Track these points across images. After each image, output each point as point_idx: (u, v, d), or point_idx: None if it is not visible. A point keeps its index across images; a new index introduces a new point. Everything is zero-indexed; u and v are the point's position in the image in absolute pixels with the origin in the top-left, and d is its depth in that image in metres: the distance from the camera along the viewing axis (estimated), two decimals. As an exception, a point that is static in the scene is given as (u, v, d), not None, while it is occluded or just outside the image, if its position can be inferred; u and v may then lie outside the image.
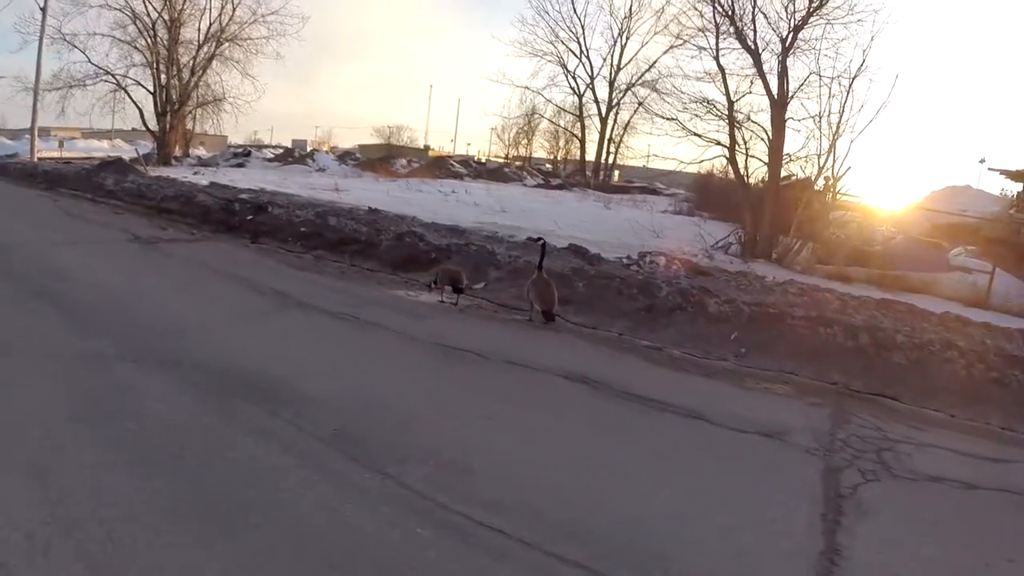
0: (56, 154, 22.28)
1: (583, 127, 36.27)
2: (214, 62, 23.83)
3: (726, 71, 12.67)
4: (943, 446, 3.59)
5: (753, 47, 12.18)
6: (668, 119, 13.39)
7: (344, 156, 32.24)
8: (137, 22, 22.66)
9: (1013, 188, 19.80)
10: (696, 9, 12.98)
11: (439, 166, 31.37)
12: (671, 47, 19.77)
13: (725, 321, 5.48)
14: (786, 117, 11.88)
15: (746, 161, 12.46)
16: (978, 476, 3.25)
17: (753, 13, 12.13)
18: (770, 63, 12.22)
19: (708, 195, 20.54)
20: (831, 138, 11.21)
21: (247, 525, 2.27)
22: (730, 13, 12.28)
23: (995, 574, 2.48)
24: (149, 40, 22.93)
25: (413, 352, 4.50)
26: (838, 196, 11.85)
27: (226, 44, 23.78)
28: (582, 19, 34.89)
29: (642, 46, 32.83)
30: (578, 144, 36.94)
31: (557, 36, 34.88)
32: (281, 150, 32.67)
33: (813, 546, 2.48)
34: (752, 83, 12.60)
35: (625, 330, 5.48)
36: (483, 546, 2.28)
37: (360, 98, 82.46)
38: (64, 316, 4.47)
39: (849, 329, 5.07)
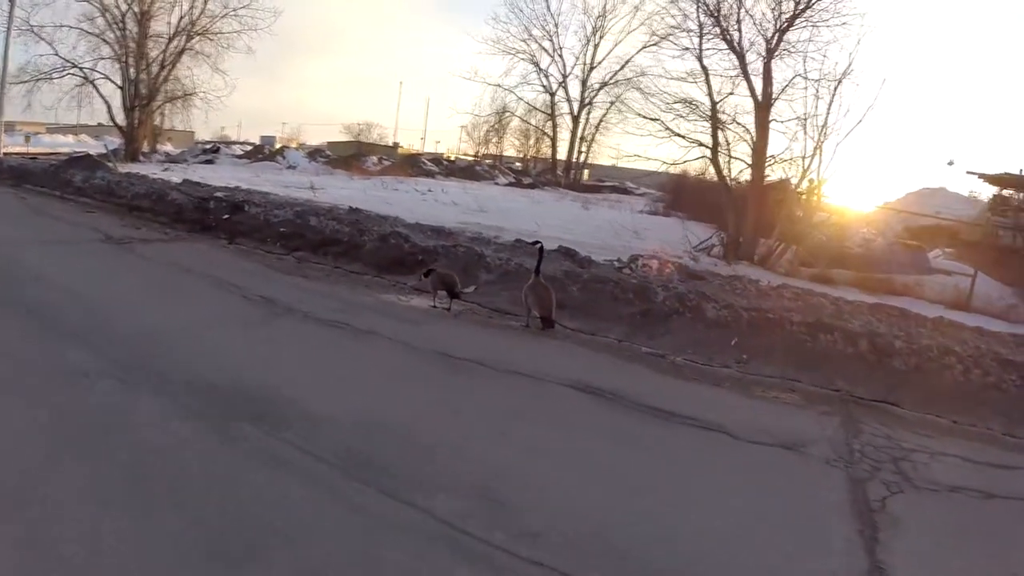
0: (22, 149, 21.18)
1: (555, 126, 36.05)
2: (184, 56, 23.01)
3: (709, 72, 12.66)
4: (954, 454, 3.62)
5: (739, 48, 12.20)
6: (651, 119, 13.29)
7: (314, 153, 31.41)
8: (106, 14, 21.65)
9: (985, 191, 19.65)
10: (679, 8, 12.91)
11: (411, 164, 30.87)
12: (645, 45, 19.79)
13: (724, 327, 5.45)
14: (770, 119, 11.92)
15: (728, 163, 12.47)
16: (992, 485, 3.28)
17: (739, 14, 12.14)
18: (754, 64, 12.25)
19: (683, 195, 20.43)
20: (817, 140, 11.29)
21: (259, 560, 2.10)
22: (716, 14, 12.26)
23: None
24: (118, 33, 21.95)
25: (415, 364, 4.32)
26: (821, 199, 11.99)
27: (197, 38, 22.97)
28: (556, 17, 34.70)
29: (615, 44, 32.78)
30: (548, 143, 36.84)
31: (530, 34, 34.65)
32: (250, 147, 31.77)
33: (857, 564, 2.45)
34: (736, 84, 12.58)
35: (623, 336, 5.41)
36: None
37: (329, 94, 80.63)
38: (38, 325, 4.16)
39: (848, 335, 5.09)
